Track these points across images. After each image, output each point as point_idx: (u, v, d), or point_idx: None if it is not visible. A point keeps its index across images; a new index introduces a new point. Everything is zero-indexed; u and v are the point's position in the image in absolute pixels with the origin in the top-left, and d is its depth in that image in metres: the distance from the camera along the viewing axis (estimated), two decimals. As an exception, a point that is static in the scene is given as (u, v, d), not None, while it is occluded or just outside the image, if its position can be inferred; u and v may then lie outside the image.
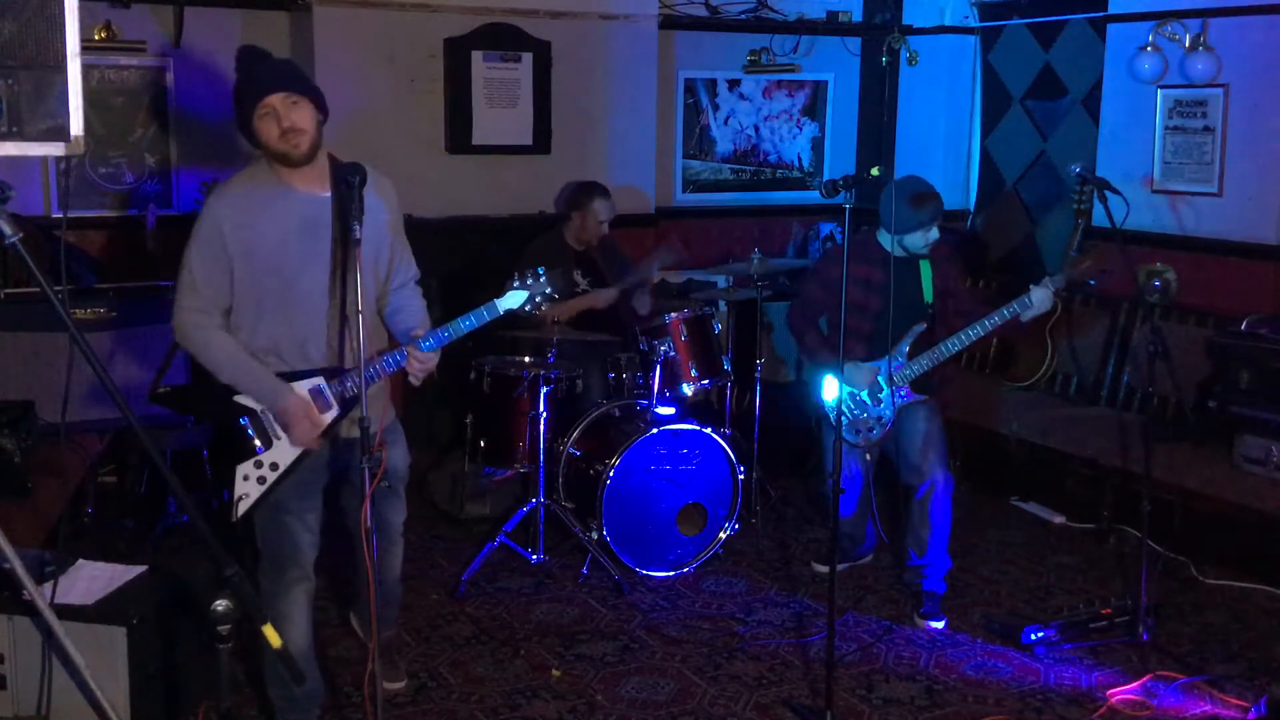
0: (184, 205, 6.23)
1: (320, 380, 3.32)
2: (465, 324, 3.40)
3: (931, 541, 4.55)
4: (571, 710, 3.86)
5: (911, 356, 4.47)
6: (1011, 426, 5.74)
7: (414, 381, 3.42)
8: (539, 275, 3.45)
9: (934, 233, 4.44)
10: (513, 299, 3.43)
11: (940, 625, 4.47)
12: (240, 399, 3.31)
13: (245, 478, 3.30)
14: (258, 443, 3.31)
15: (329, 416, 3.32)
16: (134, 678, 3.25)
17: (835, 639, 3.76)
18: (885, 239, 4.51)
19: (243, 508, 3.30)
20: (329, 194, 3.29)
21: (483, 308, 3.42)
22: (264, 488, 3.31)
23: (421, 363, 3.35)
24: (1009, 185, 7.14)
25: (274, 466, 3.31)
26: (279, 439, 3.32)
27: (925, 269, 4.55)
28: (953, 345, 4.43)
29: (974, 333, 4.39)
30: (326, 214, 3.28)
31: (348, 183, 3.02)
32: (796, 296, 4.79)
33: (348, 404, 3.32)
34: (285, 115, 3.17)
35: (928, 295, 4.54)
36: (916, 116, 7.61)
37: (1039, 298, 4.32)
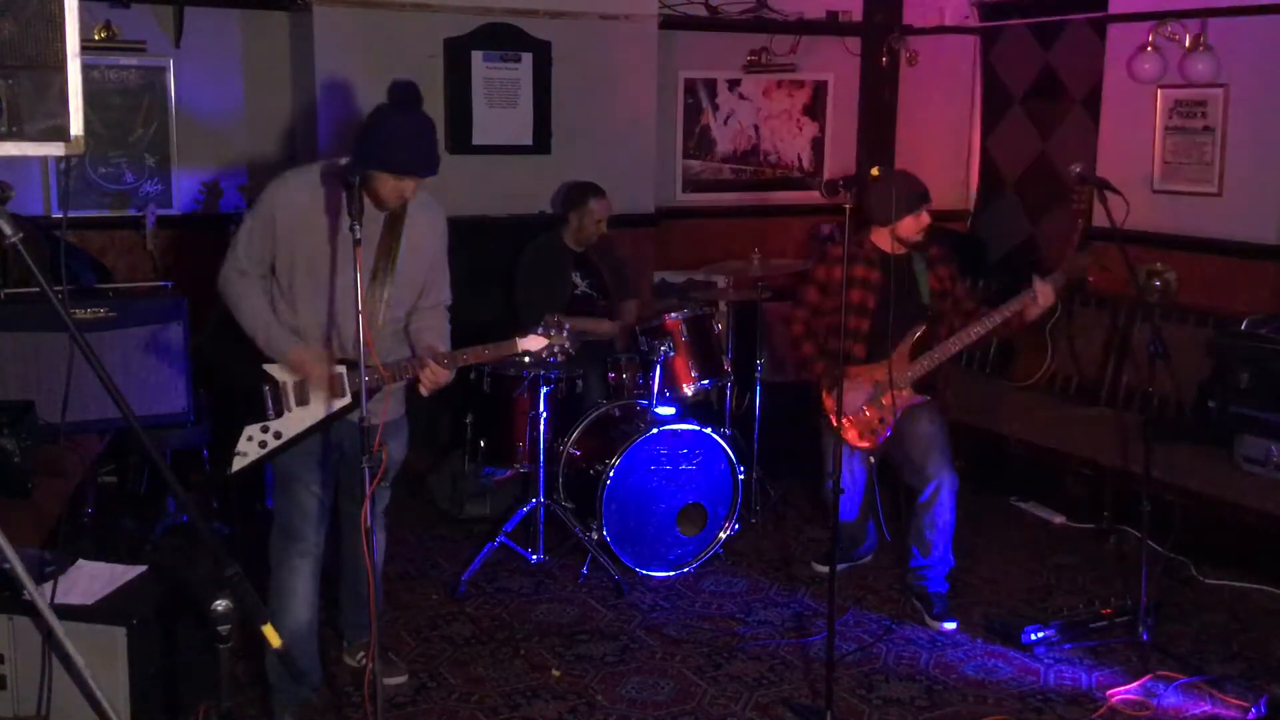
0: (184, 205, 6.23)
1: (342, 370, 3.50)
2: (486, 352, 3.63)
3: (937, 542, 4.54)
4: (571, 710, 3.86)
5: (912, 357, 4.48)
6: (1011, 426, 5.74)
7: (423, 391, 3.57)
8: (563, 329, 3.65)
9: (924, 218, 4.49)
10: (532, 342, 3.64)
11: (953, 626, 4.46)
12: (268, 367, 3.51)
13: (249, 438, 3.49)
14: (271, 410, 3.49)
15: (340, 403, 3.50)
16: (134, 678, 3.25)
17: (835, 639, 3.76)
18: (880, 238, 4.55)
19: (237, 464, 3.49)
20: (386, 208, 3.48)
21: (503, 342, 3.64)
22: (263, 452, 3.49)
23: (434, 374, 3.50)
24: (1009, 185, 7.15)
25: (278, 435, 3.50)
26: (290, 411, 3.50)
27: (920, 269, 4.56)
28: (955, 344, 4.46)
29: (977, 331, 4.42)
30: (378, 225, 3.47)
31: (348, 185, 3.08)
32: (794, 303, 4.81)
33: (359, 397, 3.37)
34: (410, 190, 3.42)
35: (925, 295, 4.55)
36: (916, 116, 7.61)
37: (1042, 294, 4.35)
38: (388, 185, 3.37)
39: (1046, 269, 4.54)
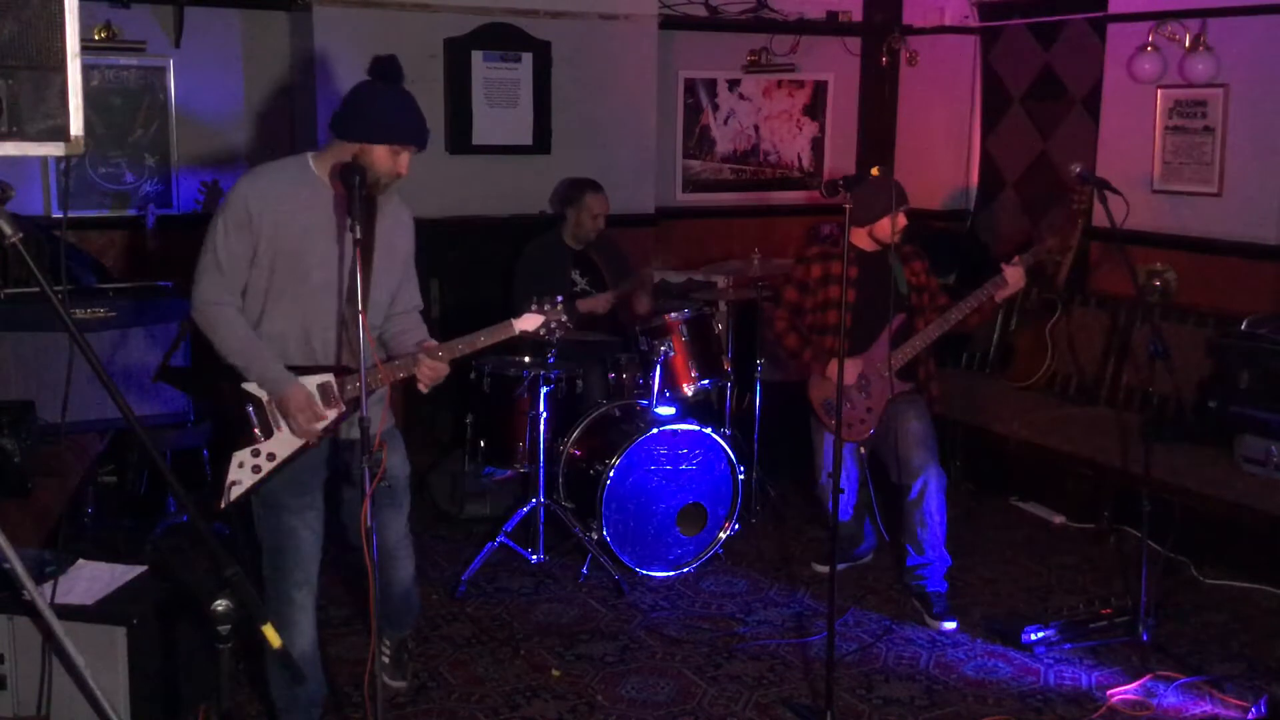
0: (184, 205, 6.23)
1: (330, 377, 3.34)
2: (481, 339, 3.48)
3: (930, 540, 4.55)
4: (571, 710, 3.86)
5: (894, 346, 4.53)
6: (1011, 426, 5.74)
7: (422, 388, 3.43)
8: (556, 304, 3.53)
9: (901, 220, 4.55)
10: (528, 322, 3.51)
11: (953, 626, 4.46)
12: (247, 386, 3.31)
13: (240, 465, 3.30)
14: (258, 432, 3.31)
15: (333, 413, 3.34)
16: (134, 678, 3.25)
17: (835, 639, 3.76)
18: (857, 237, 4.60)
19: (234, 493, 3.30)
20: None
21: (498, 326, 3.51)
22: (258, 477, 3.30)
23: (433, 369, 3.38)
24: (1009, 185, 7.15)
25: (271, 457, 3.31)
26: (279, 430, 3.32)
27: (897, 264, 4.63)
28: (934, 331, 4.55)
29: (953, 316, 4.52)
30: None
31: (348, 184, 3.03)
32: (775, 302, 4.86)
33: (353, 404, 3.32)
34: (404, 166, 3.32)
35: (903, 286, 4.62)
36: (916, 116, 7.61)
37: (1011, 276, 4.45)
38: (385, 161, 3.27)
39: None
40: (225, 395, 3.33)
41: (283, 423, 3.33)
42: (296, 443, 3.33)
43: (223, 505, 3.30)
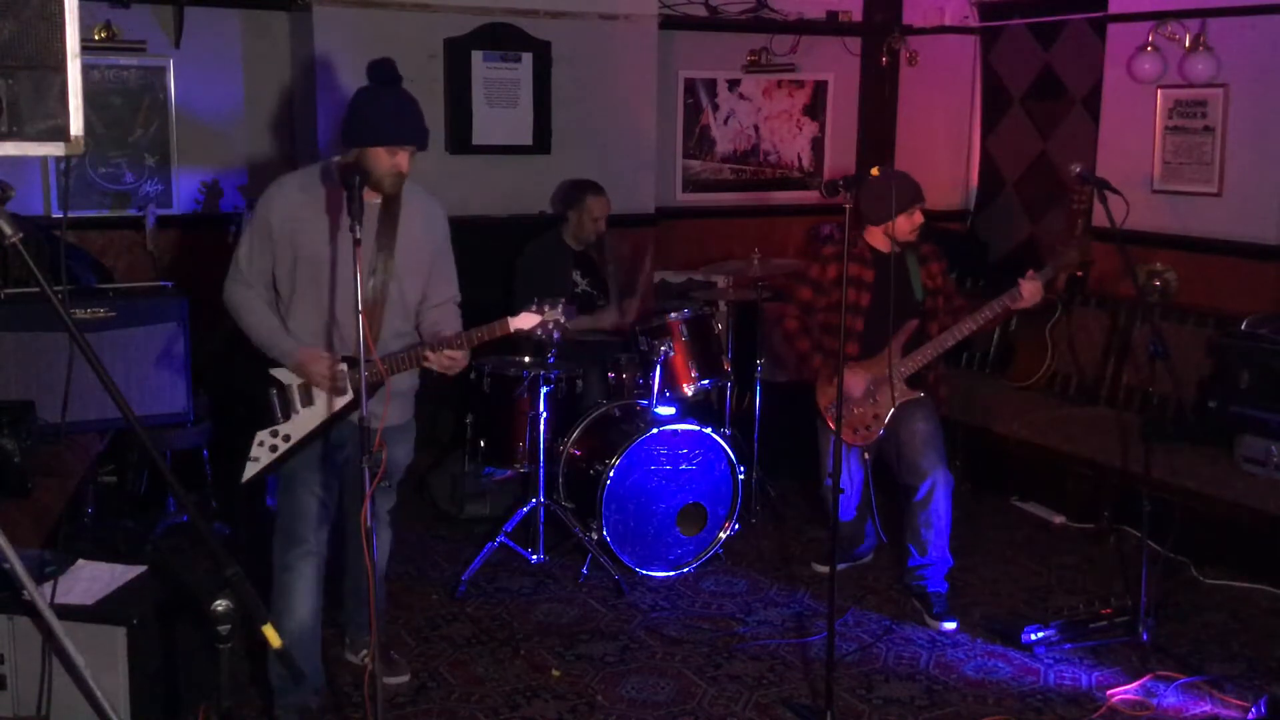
0: (184, 205, 6.23)
1: (344, 367, 3.52)
2: (476, 334, 3.60)
3: (934, 541, 4.55)
4: (571, 710, 3.86)
5: (905, 352, 4.50)
6: (1011, 426, 5.73)
7: (436, 367, 3.57)
8: (556, 305, 3.64)
9: (917, 216, 4.53)
10: (525, 320, 3.62)
11: (953, 626, 4.46)
12: (274, 372, 3.56)
13: (260, 444, 3.56)
14: (279, 414, 3.56)
15: (344, 400, 3.53)
16: (134, 678, 3.25)
17: (835, 639, 3.76)
18: (873, 237, 4.59)
19: (250, 470, 3.56)
20: (379, 199, 3.49)
21: (495, 323, 3.61)
22: (275, 456, 3.55)
23: (452, 360, 3.52)
24: (1009, 185, 7.15)
25: (286, 438, 3.55)
26: (297, 414, 3.56)
27: (914, 266, 4.59)
28: (947, 340, 4.50)
29: (967, 326, 4.49)
30: (374, 221, 3.48)
31: (347, 184, 3.08)
32: (787, 302, 4.85)
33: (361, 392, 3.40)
34: (404, 164, 3.44)
35: (918, 292, 4.58)
36: (916, 116, 7.61)
37: (1027, 290, 4.42)
38: (383, 162, 3.40)
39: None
40: (255, 379, 3.58)
41: (300, 407, 3.54)
42: (310, 425, 3.54)
43: (242, 480, 3.57)
